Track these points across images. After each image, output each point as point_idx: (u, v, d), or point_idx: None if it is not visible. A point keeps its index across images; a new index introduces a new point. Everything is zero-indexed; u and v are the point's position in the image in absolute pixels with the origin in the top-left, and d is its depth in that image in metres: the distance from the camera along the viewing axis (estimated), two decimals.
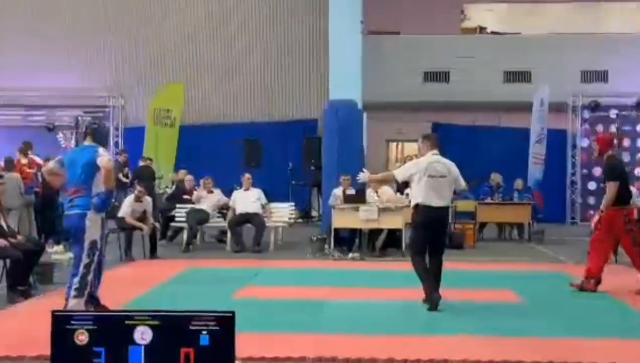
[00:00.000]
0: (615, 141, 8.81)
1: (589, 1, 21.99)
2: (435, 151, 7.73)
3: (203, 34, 20.45)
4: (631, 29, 20.92)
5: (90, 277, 6.62)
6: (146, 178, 15.27)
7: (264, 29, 20.39)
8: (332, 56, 15.41)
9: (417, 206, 7.58)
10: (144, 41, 20.44)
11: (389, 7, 20.36)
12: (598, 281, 8.57)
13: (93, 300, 6.76)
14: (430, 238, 7.66)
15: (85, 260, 6.62)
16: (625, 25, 21.24)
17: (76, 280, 6.58)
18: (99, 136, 7.14)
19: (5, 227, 8.37)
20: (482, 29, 21.81)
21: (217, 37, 20.45)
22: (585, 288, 8.54)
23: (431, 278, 7.52)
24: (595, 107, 19.51)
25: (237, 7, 20.43)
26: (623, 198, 8.54)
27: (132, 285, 9.19)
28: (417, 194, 7.56)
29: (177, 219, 13.74)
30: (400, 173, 7.90)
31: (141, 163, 16.62)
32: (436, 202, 7.50)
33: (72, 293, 6.54)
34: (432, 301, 7.37)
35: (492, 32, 21.54)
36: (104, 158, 6.71)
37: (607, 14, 22.08)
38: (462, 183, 7.85)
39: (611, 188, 8.48)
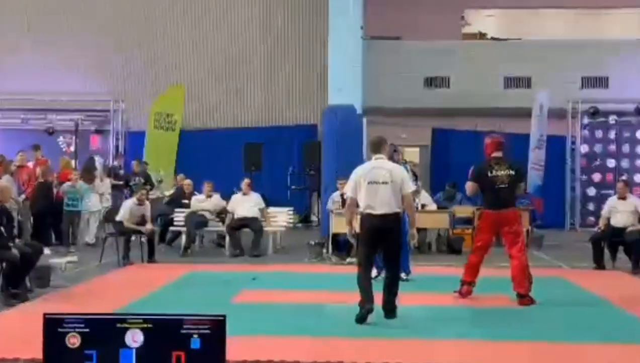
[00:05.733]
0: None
1: (589, 7, 21.99)
2: (379, 156, 7.45)
3: (204, 39, 20.46)
4: (631, 35, 20.94)
5: None
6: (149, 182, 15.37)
7: (264, 34, 20.40)
8: (332, 61, 15.41)
9: (361, 214, 7.33)
10: (145, 46, 20.46)
11: (390, 12, 20.36)
12: None
13: None
14: (381, 249, 7.38)
15: None
16: (626, 31, 21.25)
17: None
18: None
19: (3, 230, 8.36)
20: (482, 35, 21.81)
21: (218, 42, 20.46)
22: None
23: (370, 292, 7.14)
24: (594, 113, 19.49)
25: (237, 13, 20.44)
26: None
27: (130, 289, 9.21)
28: (360, 202, 7.28)
29: (175, 223, 13.75)
30: (349, 189, 7.43)
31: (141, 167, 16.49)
32: (378, 210, 7.15)
33: None
34: (364, 312, 7.05)
35: (493, 38, 21.54)
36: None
37: (608, 20, 22.09)
38: (410, 188, 7.41)
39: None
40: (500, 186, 8.39)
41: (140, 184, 13.98)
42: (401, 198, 7.26)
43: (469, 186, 8.75)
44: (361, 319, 7.05)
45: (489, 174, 8.43)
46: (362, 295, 7.17)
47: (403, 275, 8.93)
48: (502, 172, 8.43)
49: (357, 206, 7.37)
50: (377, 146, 7.51)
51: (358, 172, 7.41)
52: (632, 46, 19.99)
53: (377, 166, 7.34)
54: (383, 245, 7.32)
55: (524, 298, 8.19)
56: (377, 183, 7.19)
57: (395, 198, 7.20)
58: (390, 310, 7.25)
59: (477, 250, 8.64)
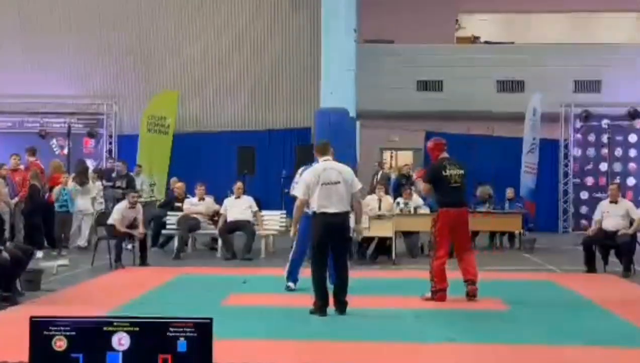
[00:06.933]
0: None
1: (582, 11, 22.08)
2: (326, 158, 7.83)
3: (197, 42, 20.46)
4: (624, 39, 21.02)
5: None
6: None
7: (258, 36, 20.41)
8: (325, 64, 15.43)
9: (314, 214, 7.62)
10: (138, 49, 20.45)
11: (384, 16, 20.42)
12: None
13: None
14: (331, 248, 7.72)
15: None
16: (619, 35, 21.34)
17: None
18: None
19: None
20: (475, 39, 21.87)
21: (211, 45, 20.47)
22: None
23: (325, 292, 7.57)
24: (586, 117, 19.56)
25: (230, 16, 20.46)
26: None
27: (122, 292, 9.20)
28: (313, 203, 7.58)
29: (168, 226, 13.73)
30: (300, 191, 7.74)
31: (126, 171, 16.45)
32: (332, 209, 7.51)
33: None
34: (322, 313, 7.53)
35: (486, 42, 21.60)
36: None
37: (601, 24, 22.17)
38: (357, 186, 7.79)
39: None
40: (455, 185, 8.68)
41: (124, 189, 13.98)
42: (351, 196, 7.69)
43: (426, 188, 8.96)
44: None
45: (444, 173, 8.68)
46: (319, 297, 7.54)
47: (291, 285, 9.15)
48: (455, 171, 8.71)
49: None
50: (324, 149, 7.94)
51: (309, 174, 7.76)
52: (624, 50, 20.09)
53: (328, 167, 7.70)
54: (334, 243, 7.63)
55: (475, 285, 8.61)
56: (330, 184, 7.55)
57: (346, 197, 7.63)
58: (344, 304, 7.59)
59: (441, 258, 8.70)
